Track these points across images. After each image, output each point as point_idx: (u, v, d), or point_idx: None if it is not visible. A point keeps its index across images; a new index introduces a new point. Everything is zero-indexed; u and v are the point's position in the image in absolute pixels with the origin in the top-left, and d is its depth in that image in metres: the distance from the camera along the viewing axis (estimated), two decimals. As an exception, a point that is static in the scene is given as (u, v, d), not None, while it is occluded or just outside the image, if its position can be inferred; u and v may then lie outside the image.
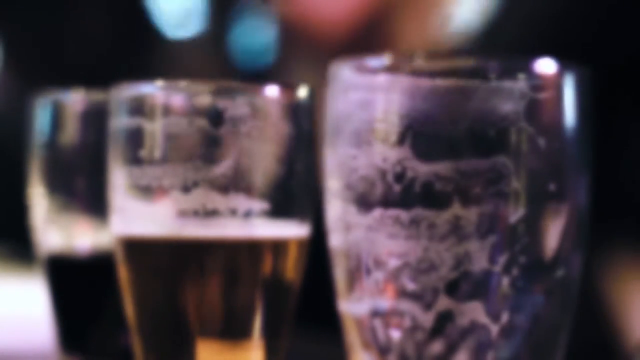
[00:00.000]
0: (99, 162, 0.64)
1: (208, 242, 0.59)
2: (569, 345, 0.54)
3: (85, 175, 0.75)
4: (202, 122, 0.59)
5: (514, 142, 0.51)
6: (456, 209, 0.50)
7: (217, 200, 0.58)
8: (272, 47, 1.71)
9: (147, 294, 0.60)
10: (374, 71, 0.52)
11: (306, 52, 1.58)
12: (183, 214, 0.59)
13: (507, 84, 0.51)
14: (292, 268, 0.61)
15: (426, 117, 0.51)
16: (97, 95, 0.74)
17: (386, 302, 0.52)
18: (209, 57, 1.79)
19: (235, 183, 0.59)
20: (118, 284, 0.62)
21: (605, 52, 1.26)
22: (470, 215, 0.50)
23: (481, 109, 0.51)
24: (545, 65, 0.52)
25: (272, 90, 0.60)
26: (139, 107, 0.60)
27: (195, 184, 0.59)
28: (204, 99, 0.59)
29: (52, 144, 0.76)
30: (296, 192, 0.61)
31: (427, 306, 0.51)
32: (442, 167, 0.50)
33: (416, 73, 0.51)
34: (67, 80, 0.84)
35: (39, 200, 0.76)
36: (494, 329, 0.51)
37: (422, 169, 0.51)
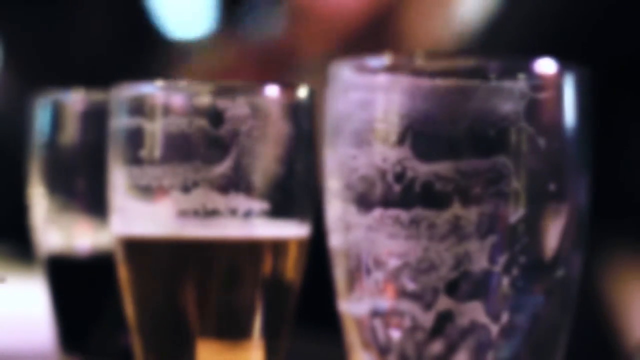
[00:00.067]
0: (99, 162, 0.64)
1: (208, 242, 0.59)
2: (569, 345, 0.54)
3: (85, 175, 0.75)
4: (202, 122, 0.59)
5: (514, 142, 0.51)
6: (456, 209, 0.51)
7: (217, 200, 0.58)
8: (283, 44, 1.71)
9: (147, 294, 0.60)
10: (374, 71, 0.52)
11: (316, 48, 1.58)
12: (183, 214, 0.59)
13: (507, 84, 0.51)
14: (292, 268, 0.61)
15: (426, 117, 0.51)
16: (97, 95, 0.74)
17: (386, 302, 0.52)
18: (218, 56, 1.79)
19: (235, 183, 0.59)
20: (118, 284, 0.62)
21: (605, 52, 1.26)
22: (470, 215, 0.50)
23: (481, 109, 0.51)
24: (545, 65, 0.52)
25: (272, 90, 0.60)
26: (139, 107, 0.60)
27: (195, 184, 0.59)
28: (204, 99, 0.59)
29: (52, 144, 0.76)
30: (296, 192, 0.60)
31: (427, 306, 0.51)
32: (442, 167, 0.50)
33: (416, 73, 0.51)
34: (67, 80, 0.84)
35: (39, 200, 0.76)
36: (494, 329, 0.51)
37: (422, 169, 0.51)
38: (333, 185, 0.54)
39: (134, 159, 0.60)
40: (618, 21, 1.28)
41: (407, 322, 0.51)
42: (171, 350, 0.60)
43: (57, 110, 0.76)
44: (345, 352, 0.55)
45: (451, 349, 0.51)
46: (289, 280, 0.61)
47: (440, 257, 0.51)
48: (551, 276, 0.52)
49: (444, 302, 0.51)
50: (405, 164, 0.51)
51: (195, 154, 0.59)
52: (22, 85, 1.68)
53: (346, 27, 1.54)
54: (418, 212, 0.51)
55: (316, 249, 0.62)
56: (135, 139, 0.60)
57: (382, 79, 0.52)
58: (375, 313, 0.52)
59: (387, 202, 0.51)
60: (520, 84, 0.51)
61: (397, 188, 0.51)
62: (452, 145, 0.50)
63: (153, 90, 0.60)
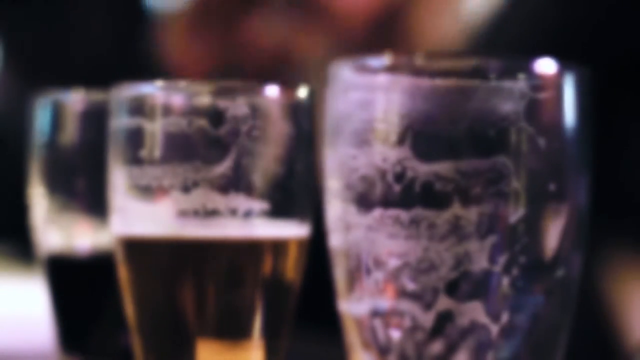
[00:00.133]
0: (99, 162, 0.64)
1: (208, 242, 0.59)
2: (569, 345, 0.54)
3: (85, 175, 0.75)
4: (202, 122, 0.59)
5: (514, 142, 0.51)
6: (456, 209, 0.51)
7: (217, 200, 0.58)
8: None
9: (147, 294, 0.60)
10: (374, 71, 0.52)
11: (325, 46, 1.58)
12: (183, 214, 0.59)
13: (507, 84, 0.51)
14: (292, 268, 0.61)
15: (426, 117, 0.51)
16: (97, 95, 0.74)
17: (386, 302, 0.52)
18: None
19: (235, 183, 0.59)
20: (118, 284, 0.62)
21: (606, 52, 1.26)
22: (470, 215, 0.50)
23: (481, 109, 0.51)
24: (545, 65, 0.52)
25: (272, 90, 0.60)
26: (139, 107, 0.60)
27: (195, 184, 0.59)
28: (204, 99, 0.59)
29: (52, 144, 0.76)
30: (296, 192, 0.61)
31: (427, 306, 0.51)
32: (442, 167, 0.50)
33: (416, 73, 0.51)
34: (67, 80, 0.84)
35: (39, 200, 0.76)
36: (494, 329, 0.51)
37: (422, 169, 0.51)
38: (333, 185, 0.54)
39: (134, 159, 0.60)
40: (619, 21, 1.28)
41: (407, 322, 0.51)
42: (171, 350, 0.60)
43: (57, 110, 0.76)
44: (345, 352, 0.55)
45: (451, 349, 0.51)
46: (289, 280, 0.61)
47: (440, 257, 0.51)
48: (551, 276, 0.52)
49: (444, 302, 0.51)
50: (405, 164, 0.51)
51: (195, 154, 0.59)
52: (22, 85, 1.68)
53: (354, 26, 1.54)
54: (418, 212, 0.51)
55: (316, 249, 0.62)
56: (135, 139, 0.60)
57: (382, 79, 0.52)
58: (375, 313, 0.52)
59: (387, 202, 0.51)
60: (520, 84, 0.51)
61: (397, 188, 0.51)
62: (452, 145, 0.50)
63: (153, 90, 0.60)
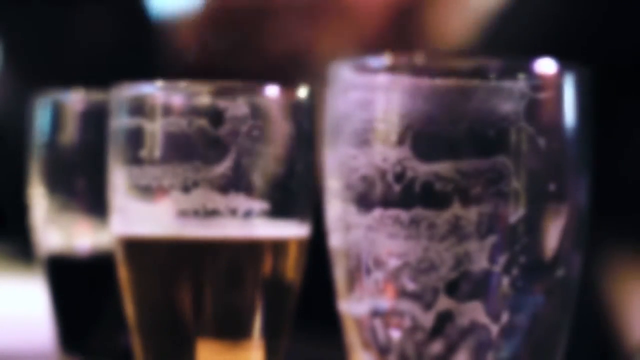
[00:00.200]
0: (99, 162, 0.64)
1: (208, 242, 0.59)
2: (569, 345, 0.54)
3: (85, 175, 0.75)
4: (202, 122, 0.59)
5: (514, 142, 0.51)
6: (456, 209, 0.50)
7: (217, 200, 0.58)
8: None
9: (147, 294, 0.60)
10: (374, 71, 0.52)
11: (340, 43, 1.58)
12: (183, 214, 0.59)
13: (507, 84, 0.51)
14: (292, 268, 0.61)
15: (426, 117, 0.51)
16: (97, 95, 0.74)
17: (386, 302, 0.52)
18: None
19: (235, 183, 0.59)
20: (118, 284, 0.62)
21: (608, 53, 1.26)
22: (470, 215, 0.50)
23: (481, 109, 0.51)
24: (545, 65, 0.52)
25: (272, 90, 0.60)
26: (139, 107, 0.60)
27: (195, 184, 0.59)
28: (204, 99, 0.59)
29: (52, 144, 0.76)
30: (296, 192, 0.61)
31: (427, 306, 0.51)
32: (442, 167, 0.50)
33: (416, 73, 0.51)
34: (67, 80, 0.84)
35: (39, 200, 0.76)
36: (494, 329, 0.51)
37: (422, 169, 0.51)
38: (333, 185, 0.54)
39: (134, 159, 0.60)
40: (621, 21, 1.28)
41: (407, 322, 0.51)
42: (171, 350, 0.60)
43: (57, 110, 0.76)
44: (345, 352, 0.55)
45: (451, 349, 0.51)
46: (289, 280, 0.61)
47: (440, 257, 0.51)
48: (551, 276, 0.52)
49: (444, 302, 0.51)
50: (405, 164, 0.51)
51: (195, 154, 0.59)
52: (22, 85, 1.68)
53: (369, 25, 1.54)
54: (418, 212, 0.51)
55: (316, 249, 0.62)
56: (135, 139, 0.60)
57: (382, 79, 0.52)
58: (375, 313, 0.52)
59: (387, 202, 0.51)
60: (520, 84, 0.51)
61: (397, 188, 0.51)
62: (452, 145, 0.50)
63: (153, 90, 0.60)
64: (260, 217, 0.59)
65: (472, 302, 0.51)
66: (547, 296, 0.52)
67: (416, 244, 0.51)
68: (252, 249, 0.59)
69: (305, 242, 0.62)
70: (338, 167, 0.53)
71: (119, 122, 0.61)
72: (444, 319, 0.51)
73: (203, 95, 0.59)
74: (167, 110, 0.59)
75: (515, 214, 0.51)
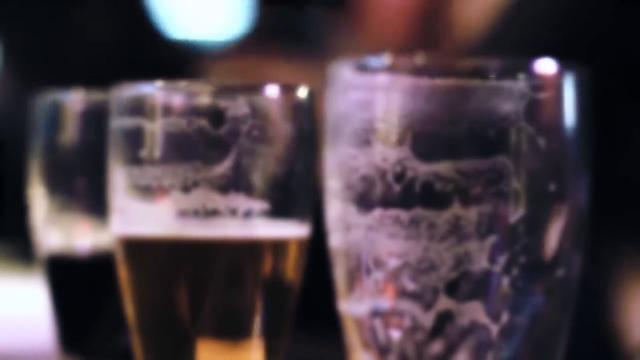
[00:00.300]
0: (99, 162, 0.64)
1: (208, 242, 0.59)
2: (569, 345, 0.54)
3: (85, 175, 0.75)
4: (202, 122, 0.59)
5: (514, 142, 0.51)
6: (456, 209, 0.51)
7: (217, 200, 0.58)
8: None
9: (147, 294, 0.60)
10: (374, 71, 0.52)
11: (364, 41, 1.58)
12: (183, 214, 0.59)
13: (507, 84, 0.51)
14: (292, 268, 0.61)
15: (426, 117, 0.51)
16: (97, 95, 0.74)
17: (386, 302, 0.52)
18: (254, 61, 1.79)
19: (235, 183, 0.59)
20: (118, 284, 0.62)
21: (610, 53, 1.26)
22: (470, 215, 0.50)
23: (481, 109, 0.51)
24: (545, 65, 0.52)
25: (272, 90, 0.60)
26: (139, 107, 0.60)
27: (195, 184, 0.59)
28: (204, 99, 0.59)
29: (52, 144, 0.76)
30: (296, 192, 0.60)
31: (427, 306, 0.51)
32: (442, 167, 0.50)
33: (416, 73, 0.51)
34: (67, 80, 0.84)
35: (39, 201, 0.76)
36: (494, 329, 0.51)
37: (422, 169, 0.51)
38: (333, 185, 0.54)
39: (134, 159, 0.60)
40: (622, 22, 1.28)
41: (407, 322, 0.51)
42: (171, 350, 0.60)
43: (57, 110, 0.76)
44: (345, 352, 0.55)
45: (451, 349, 0.51)
46: (289, 280, 0.61)
47: (440, 257, 0.51)
48: (551, 276, 0.52)
49: (444, 302, 0.51)
50: (405, 164, 0.51)
51: (195, 154, 0.59)
52: (22, 85, 1.68)
53: (397, 24, 1.54)
54: (418, 212, 0.51)
55: (316, 249, 0.62)
56: (135, 139, 0.60)
57: (382, 79, 0.52)
58: (375, 313, 0.52)
59: (387, 202, 0.51)
60: (520, 84, 0.51)
61: (397, 188, 0.51)
62: (452, 145, 0.50)
63: (153, 90, 0.60)
64: (260, 217, 0.59)
65: (472, 302, 0.51)
66: (547, 296, 0.52)
67: (416, 244, 0.51)
68: (252, 249, 0.59)
69: (305, 242, 0.62)
70: (338, 167, 0.53)
71: (119, 122, 0.61)
72: (444, 319, 0.51)
73: (203, 95, 0.59)
74: (167, 110, 0.59)
75: (515, 214, 0.51)
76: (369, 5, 1.58)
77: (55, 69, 1.79)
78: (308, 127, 0.61)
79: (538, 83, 0.51)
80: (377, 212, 0.51)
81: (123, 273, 0.61)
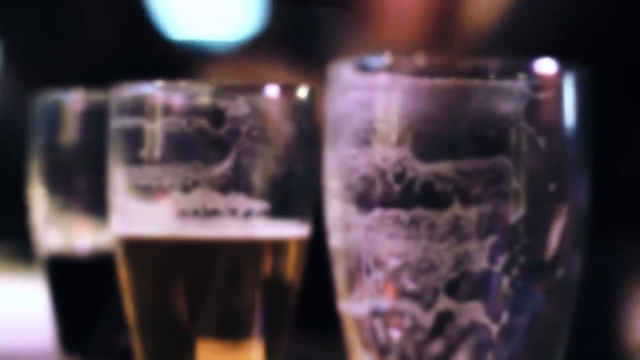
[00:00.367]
0: (99, 162, 0.64)
1: (208, 242, 0.59)
2: (569, 345, 0.54)
3: (85, 175, 0.75)
4: (202, 122, 0.59)
5: (514, 142, 0.51)
6: (456, 209, 0.51)
7: (217, 200, 0.58)
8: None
9: (147, 294, 0.60)
10: (374, 71, 0.52)
11: (377, 42, 1.59)
12: (183, 214, 0.59)
13: (507, 84, 0.51)
14: (292, 268, 0.61)
15: (426, 117, 0.51)
16: (97, 95, 0.74)
17: (386, 302, 0.52)
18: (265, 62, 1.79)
19: (235, 183, 0.59)
20: (118, 284, 0.62)
21: (610, 53, 1.26)
22: (470, 215, 0.50)
23: (481, 109, 0.51)
24: (545, 65, 0.52)
25: (272, 90, 0.60)
26: (139, 107, 0.60)
27: (195, 184, 0.59)
28: (204, 99, 0.59)
29: (52, 144, 0.76)
30: (296, 192, 0.60)
31: (427, 306, 0.51)
32: (442, 167, 0.50)
33: (416, 73, 0.51)
34: (67, 80, 0.84)
35: (39, 200, 0.76)
36: (494, 329, 0.51)
37: (422, 169, 0.51)
38: (333, 185, 0.54)
39: (134, 159, 0.60)
40: (623, 22, 1.28)
41: (407, 322, 0.51)
42: (171, 351, 0.60)
43: (57, 110, 0.76)
44: (345, 352, 0.55)
45: (451, 349, 0.51)
46: (289, 280, 0.61)
47: (440, 257, 0.51)
48: (551, 276, 0.52)
49: (444, 302, 0.51)
50: (405, 164, 0.51)
51: (195, 154, 0.59)
52: (22, 85, 1.68)
53: (407, 25, 1.54)
54: (418, 212, 0.51)
55: (316, 249, 0.62)
56: (135, 139, 0.60)
57: (382, 79, 0.52)
58: (375, 313, 0.52)
59: (387, 202, 0.51)
60: (520, 84, 0.51)
61: (397, 188, 0.51)
62: (452, 145, 0.50)
63: (153, 90, 0.60)
64: (260, 217, 0.59)
65: (472, 302, 0.51)
66: (547, 296, 0.52)
67: (416, 244, 0.51)
68: (252, 249, 0.59)
69: (305, 242, 0.62)
70: (338, 167, 0.53)
71: (119, 122, 0.61)
72: (444, 319, 0.51)
73: (203, 95, 0.59)
74: (167, 110, 0.59)
75: (515, 214, 0.51)
76: (379, 7, 1.59)
77: (55, 69, 1.79)
78: (308, 127, 0.61)
79: (538, 83, 0.51)
80: (377, 212, 0.51)
81: (123, 273, 0.61)
